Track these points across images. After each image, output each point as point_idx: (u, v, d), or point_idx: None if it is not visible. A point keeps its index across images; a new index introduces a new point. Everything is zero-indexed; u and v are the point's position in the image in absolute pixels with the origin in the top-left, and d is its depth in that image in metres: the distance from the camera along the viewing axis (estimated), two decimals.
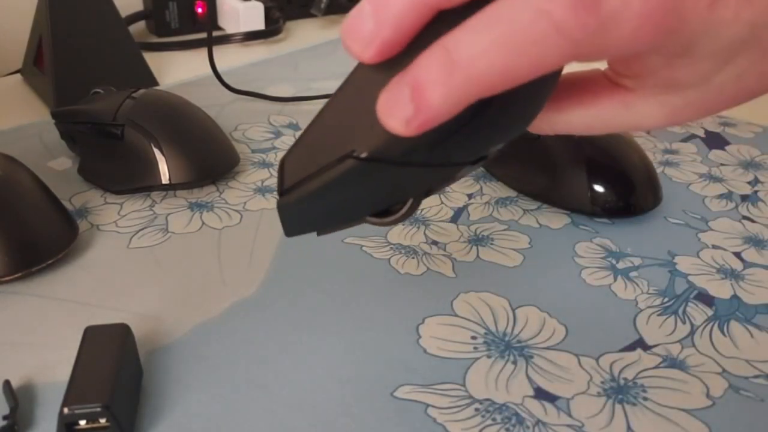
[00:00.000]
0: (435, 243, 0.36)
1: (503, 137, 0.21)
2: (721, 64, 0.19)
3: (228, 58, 0.63)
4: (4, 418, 0.25)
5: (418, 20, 0.18)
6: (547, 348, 0.29)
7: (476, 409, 0.26)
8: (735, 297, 0.32)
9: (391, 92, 0.18)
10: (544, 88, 0.20)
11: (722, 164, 0.45)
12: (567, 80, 0.23)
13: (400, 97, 0.18)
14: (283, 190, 0.22)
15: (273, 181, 0.42)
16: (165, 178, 0.39)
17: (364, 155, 0.19)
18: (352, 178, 0.20)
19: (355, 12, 0.19)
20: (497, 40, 0.17)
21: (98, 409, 0.23)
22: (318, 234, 0.24)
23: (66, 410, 0.23)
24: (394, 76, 0.18)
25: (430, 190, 0.22)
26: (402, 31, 0.18)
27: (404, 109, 0.18)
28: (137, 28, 0.68)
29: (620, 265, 0.34)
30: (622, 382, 0.27)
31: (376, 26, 0.18)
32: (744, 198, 0.41)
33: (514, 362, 0.28)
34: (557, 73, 0.21)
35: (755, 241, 0.36)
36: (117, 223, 0.37)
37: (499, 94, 0.18)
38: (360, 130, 0.20)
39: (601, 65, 0.23)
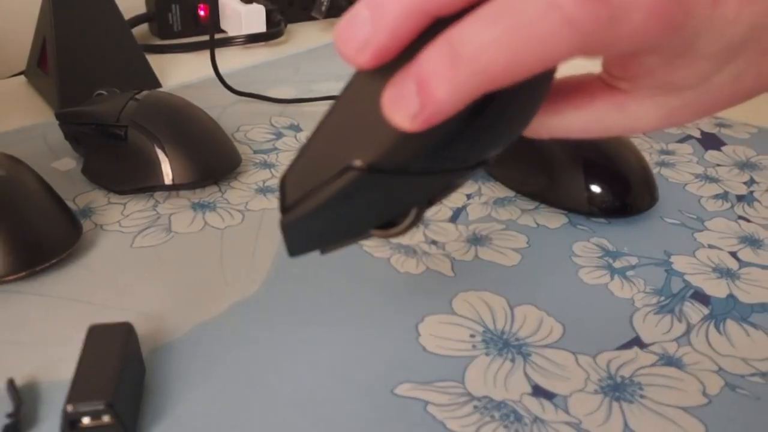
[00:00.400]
0: (434, 242, 0.36)
1: (500, 140, 0.21)
2: (720, 64, 0.19)
3: (230, 60, 0.63)
4: (8, 416, 0.25)
5: (415, 26, 0.18)
6: (545, 346, 0.29)
7: (475, 407, 0.26)
8: (731, 296, 0.32)
9: (396, 87, 0.18)
10: (541, 86, 0.21)
11: (718, 165, 0.45)
12: (562, 84, 0.23)
13: (405, 91, 0.18)
14: (285, 208, 0.22)
15: (274, 182, 0.42)
16: (168, 179, 0.39)
17: (364, 166, 0.19)
18: (353, 190, 0.20)
19: (349, 16, 0.19)
20: (504, 33, 0.16)
21: (101, 407, 0.23)
22: (322, 252, 0.23)
23: (69, 408, 0.23)
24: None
25: (433, 199, 0.22)
26: (398, 36, 0.18)
27: (410, 103, 0.17)
28: (140, 30, 0.68)
29: (617, 265, 0.35)
30: (619, 379, 0.28)
31: (372, 30, 0.18)
32: (740, 198, 0.41)
33: (512, 360, 0.28)
34: (553, 70, 0.21)
35: (751, 241, 0.37)
36: (120, 223, 0.38)
37: (498, 93, 0.18)
38: (359, 141, 0.19)
39: (596, 69, 0.23)
